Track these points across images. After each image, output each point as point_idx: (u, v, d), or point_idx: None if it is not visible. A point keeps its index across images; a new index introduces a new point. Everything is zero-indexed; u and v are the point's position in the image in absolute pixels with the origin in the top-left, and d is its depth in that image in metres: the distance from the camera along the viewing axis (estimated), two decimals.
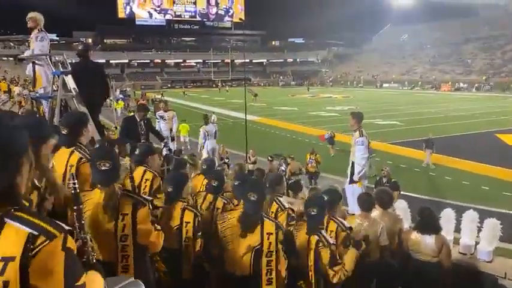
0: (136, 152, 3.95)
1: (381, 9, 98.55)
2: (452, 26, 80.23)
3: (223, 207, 3.77)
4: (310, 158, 12.48)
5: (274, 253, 2.85)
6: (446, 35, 78.26)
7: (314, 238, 3.14)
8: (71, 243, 1.21)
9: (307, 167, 12.43)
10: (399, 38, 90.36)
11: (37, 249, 1.13)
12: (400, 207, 5.52)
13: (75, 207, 1.63)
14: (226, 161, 12.58)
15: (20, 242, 1.13)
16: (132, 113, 10.02)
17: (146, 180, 3.57)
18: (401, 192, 8.85)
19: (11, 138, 1.22)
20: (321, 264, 3.12)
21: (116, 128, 14.26)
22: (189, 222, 3.11)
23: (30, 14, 6.01)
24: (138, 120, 6.83)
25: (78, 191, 1.65)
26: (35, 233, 1.14)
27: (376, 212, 4.26)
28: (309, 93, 55.79)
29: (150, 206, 2.58)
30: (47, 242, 1.14)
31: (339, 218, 3.61)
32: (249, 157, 13.00)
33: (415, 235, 4.01)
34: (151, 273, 2.77)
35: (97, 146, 4.54)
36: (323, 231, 3.24)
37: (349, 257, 3.23)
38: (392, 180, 9.11)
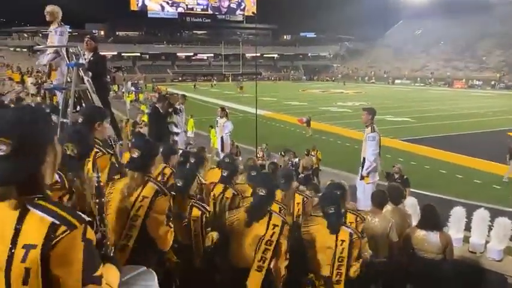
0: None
1: (394, 5, 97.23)
2: (466, 22, 78.75)
3: (232, 198, 3.88)
4: (310, 154, 12.46)
5: (274, 243, 2.90)
6: (460, 31, 76.87)
7: (345, 231, 3.15)
8: (91, 235, 1.24)
9: None
10: (412, 33, 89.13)
11: (58, 239, 1.16)
12: (409, 203, 5.50)
13: (97, 200, 1.67)
14: (236, 156, 12.60)
15: (42, 230, 1.15)
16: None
17: (164, 174, 3.63)
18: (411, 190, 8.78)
19: (38, 126, 1.24)
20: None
21: (128, 120, 14.43)
22: (196, 220, 3.19)
23: (48, 8, 6.01)
24: (163, 112, 6.27)
25: (101, 184, 1.69)
26: (57, 222, 1.17)
27: (386, 208, 4.27)
28: (319, 88, 55.49)
29: (171, 201, 2.60)
30: (67, 232, 1.17)
31: (355, 209, 3.64)
32: (258, 153, 13.04)
33: (419, 232, 4.00)
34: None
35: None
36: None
37: (365, 248, 3.26)
38: (405, 177, 9.03)
